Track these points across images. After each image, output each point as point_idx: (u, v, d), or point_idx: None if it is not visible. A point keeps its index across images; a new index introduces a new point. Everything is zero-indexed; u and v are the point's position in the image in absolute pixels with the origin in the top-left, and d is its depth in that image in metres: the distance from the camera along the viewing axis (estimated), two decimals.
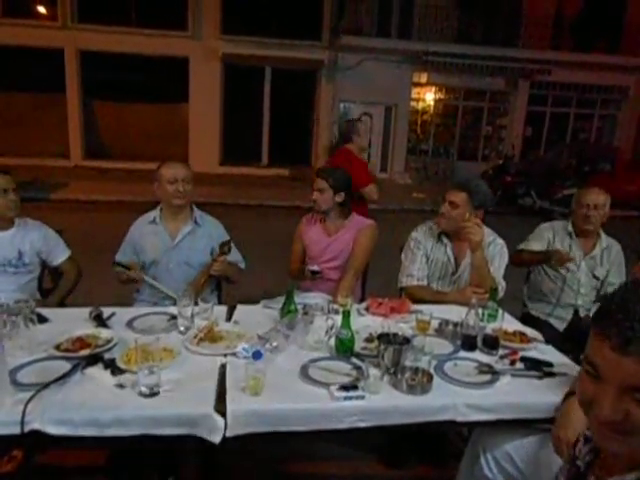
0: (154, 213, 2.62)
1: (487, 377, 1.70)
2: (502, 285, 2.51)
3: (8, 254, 2.43)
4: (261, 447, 2.27)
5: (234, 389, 1.56)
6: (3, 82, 12.21)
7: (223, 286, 2.83)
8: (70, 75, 12.55)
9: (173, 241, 2.56)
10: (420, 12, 12.93)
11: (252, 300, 2.54)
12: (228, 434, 1.45)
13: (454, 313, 2.22)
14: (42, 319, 2.00)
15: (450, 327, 2.08)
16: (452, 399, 1.58)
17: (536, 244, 2.94)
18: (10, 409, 1.41)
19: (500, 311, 2.18)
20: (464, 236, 2.41)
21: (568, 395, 1.52)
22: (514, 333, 2.04)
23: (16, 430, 1.38)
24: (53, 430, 1.39)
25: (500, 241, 2.60)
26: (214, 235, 2.61)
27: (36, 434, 1.40)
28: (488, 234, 2.57)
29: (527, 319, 2.76)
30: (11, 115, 12.39)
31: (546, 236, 2.95)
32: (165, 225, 2.59)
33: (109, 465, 2.27)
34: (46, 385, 1.50)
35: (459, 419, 1.55)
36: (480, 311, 2.03)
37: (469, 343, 1.92)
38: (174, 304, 2.33)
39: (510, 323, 2.20)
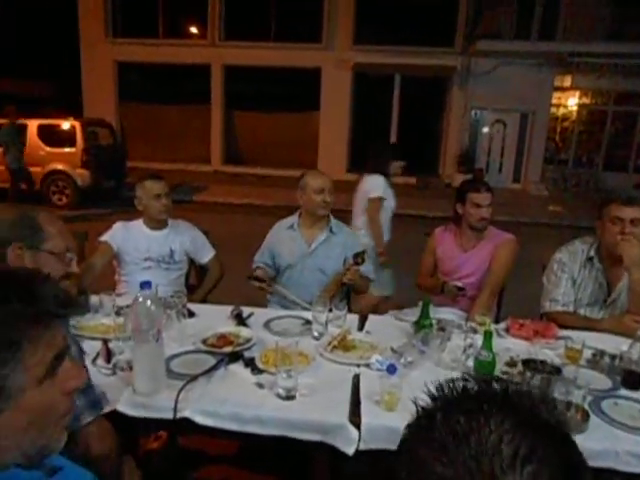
0: (293, 219, 2.71)
1: None
2: None
3: (162, 251, 2.68)
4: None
5: (368, 401, 1.54)
6: (158, 95, 13.70)
7: (351, 295, 2.84)
8: (215, 88, 13.68)
9: (309, 248, 2.63)
10: (567, 10, 11.93)
11: (378, 309, 2.51)
12: (361, 447, 1.43)
13: (609, 343, 1.99)
14: (190, 313, 2.16)
15: (606, 359, 1.85)
16: (613, 444, 1.39)
17: None
18: (165, 395, 1.54)
19: None
20: (618, 252, 2.14)
21: None
22: None
23: (169, 415, 1.50)
24: (201, 420, 1.49)
25: None
26: (348, 244, 2.62)
27: (185, 421, 1.51)
28: None
29: None
30: (164, 125, 13.84)
31: None
32: (302, 232, 2.66)
33: (239, 455, 2.39)
34: (195, 377, 1.61)
35: (622, 469, 1.36)
36: None
37: (632, 381, 1.69)
38: (305, 309, 2.39)
39: None
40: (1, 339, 0.66)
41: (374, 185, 3.62)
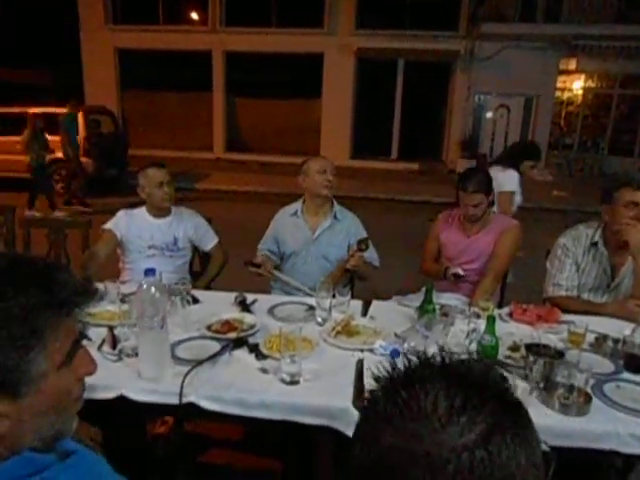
0: (297, 206, 2.71)
1: None
2: None
3: (166, 239, 2.69)
4: None
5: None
6: (160, 82, 13.62)
7: (355, 281, 2.85)
8: (217, 75, 13.58)
9: (313, 234, 2.63)
10: None
11: (381, 295, 2.52)
12: None
13: (612, 327, 1.99)
14: (195, 300, 2.18)
15: (609, 343, 1.86)
16: (615, 426, 1.40)
17: None
18: (171, 381, 1.55)
19: None
20: (621, 239, 2.14)
21: None
22: None
23: (175, 400, 1.51)
24: (206, 405, 1.51)
25: None
26: (352, 231, 2.63)
27: (191, 406, 1.53)
28: None
29: None
30: (166, 112, 13.79)
31: None
32: (306, 218, 2.67)
33: (244, 440, 2.42)
34: (200, 362, 1.63)
35: (623, 450, 1.38)
36: None
37: (635, 364, 1.70)
38: (308, 295, 2.40)
39: None
40: (26, 326, 0.68)
41: (508, 179, 3.70)
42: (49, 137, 8.83)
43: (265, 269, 2.46)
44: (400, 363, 0.58)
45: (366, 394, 0.57)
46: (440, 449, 0.47)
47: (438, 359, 0.56)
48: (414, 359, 0.57)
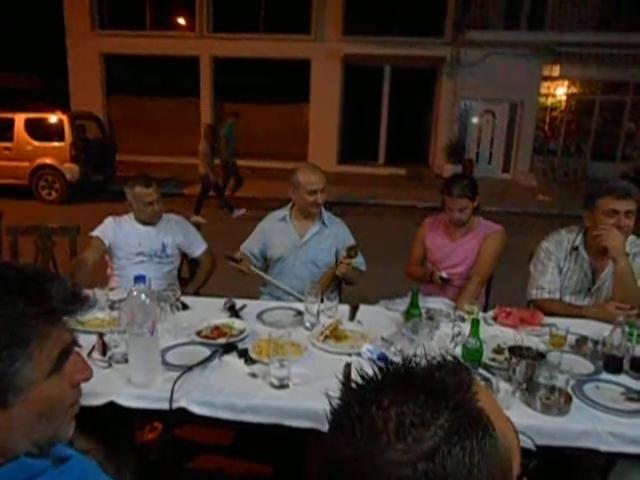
0: (285, 211, 2.73)
1: (637, 405, 1.53)
2: None
3: (154, 246, 2.70)
4: None
5: None
6: (147, 88, 13.57)
7: (342, 285, 2.88)
8: (204, 80, 13.57)
9: (301, 240, 2.66)
10: (555, 0, 11.96)
11: (368, 299, 2.56)
12: None
13: (593, 329, 2.05)
14: (184, 306, 2.19)
15: (589, 345, 1.91)
16: (594, 425, 1.45)
17: None
18: (161, 386, 1.57)
19: None
20: (600, 244, 2.20)
21: None
22: None
23: (165, 406, 1.53)
24: (196, 409, 1.53)
25: None
26: (340, 236, 2.66)
27: (181, 411, 1.54)
28: (634, 244, 2.31)
29: None
30: (154, 118, 13.72)
31: None
32: (294, 224, 2.69)
33: (234, 444, 2.43)
34: (190, 368, 1.65)
35: (603, 448, 1.42)
36: (627, 330, 1.84)
37: (613, 365, 1.75)
38: (297, 300, 2.43)
39: None
40: (12, 337, 0.68)
41: None
42: (39, 143, 8.83)
43: (244, 264, 2.45)
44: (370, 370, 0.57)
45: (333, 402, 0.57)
46: (387, 465, 0.48)
47: (401, 367, 0.55)
48: (376, 368, 0.57)
